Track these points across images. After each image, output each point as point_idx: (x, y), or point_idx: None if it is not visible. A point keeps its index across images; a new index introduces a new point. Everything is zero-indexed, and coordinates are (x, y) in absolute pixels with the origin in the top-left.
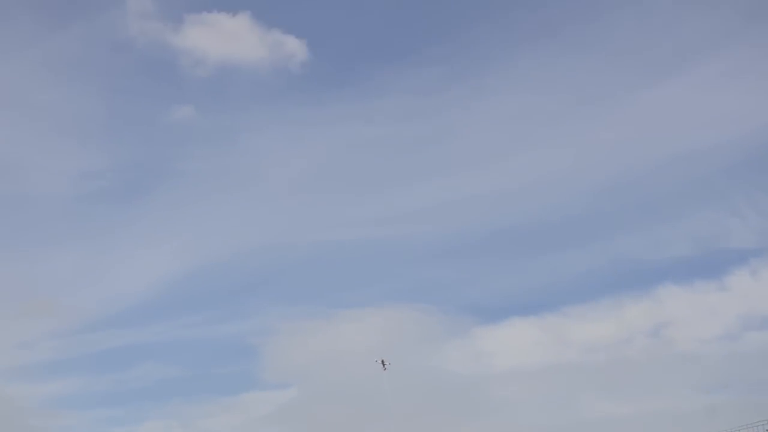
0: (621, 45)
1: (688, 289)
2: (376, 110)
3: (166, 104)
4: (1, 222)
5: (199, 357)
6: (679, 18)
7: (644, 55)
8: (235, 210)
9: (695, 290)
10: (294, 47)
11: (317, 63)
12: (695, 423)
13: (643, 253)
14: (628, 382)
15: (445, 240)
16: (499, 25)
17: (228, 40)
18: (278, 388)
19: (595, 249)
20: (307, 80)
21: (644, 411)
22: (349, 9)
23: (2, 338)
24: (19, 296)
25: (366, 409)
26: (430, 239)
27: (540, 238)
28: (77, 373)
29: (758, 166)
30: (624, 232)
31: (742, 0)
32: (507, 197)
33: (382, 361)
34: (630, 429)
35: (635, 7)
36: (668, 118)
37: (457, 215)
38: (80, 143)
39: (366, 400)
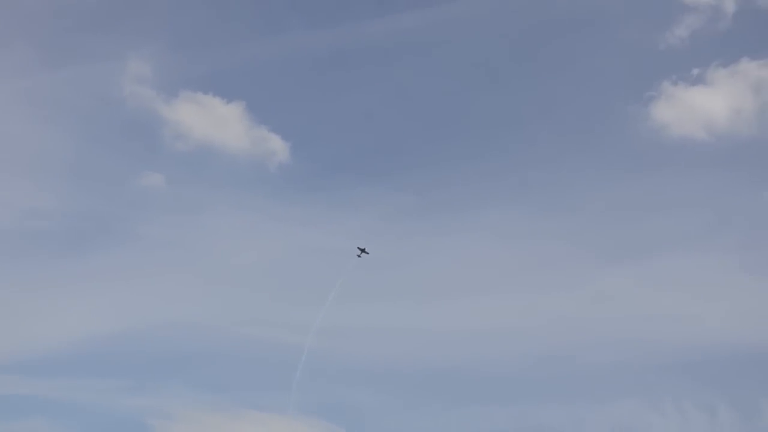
0: (589, 227)
1: None
2: (339, 224)
3: (138, 167)
4: None
5: (91, 425)
6: (646, 211)
7: (611, 240)
8: (175, 283)
9: None
10: (277, 146)
11: (295, 167)
12: None
13: (562, 427)
14: None
15: (374, 365)
16: (479, 171)
17: (216, 123)
18: None
19: (517, 411)
20: (281, 180)
21: None
22: (340, 124)
23: None
24: None
25: None
26: (359, 361)
27: (467, 386)
28: None
29: (690, 370)
30: (548, 401)
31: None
32: (445, 338)
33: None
34: None
35: (608, 193)
36: (620, 304)
37: (392, 343)
38: (37, 180)
39: None
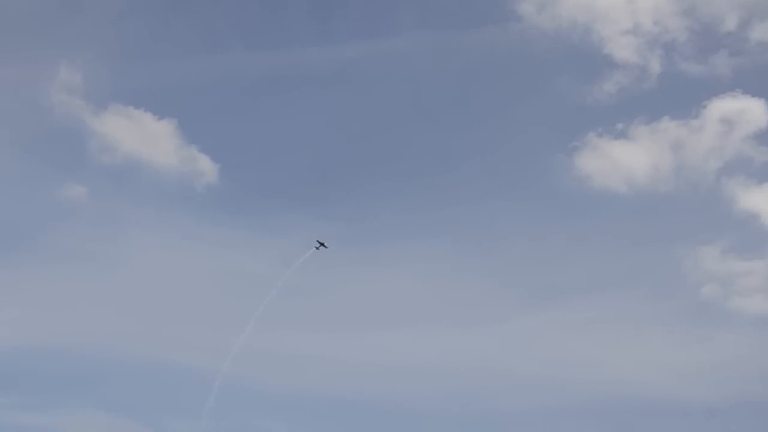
0: (512, 268)
1: None
2: (262, 249)
3: (60, 177)
4: None
5: None
6: (567, 257)
7: (531, 283)
8: (88, 299)
9: None
10: (206, 167)
11: (222, 189)
12: None
13: None
14: None
15: (288, 394)
16: (408, 206)
17: (145, 139)
18: None
19: None
20: (207, 201)
21: None
22: (271, 149)
23: None
24: None
25: None
26: (274, 389)
27: (381, 420)
28: None
29: (599, 415)
30: None
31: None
32: (363, 370)
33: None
34: None
35: (531, 236)
36: (536, 346)
37: (308, 372)
38: None
39: None
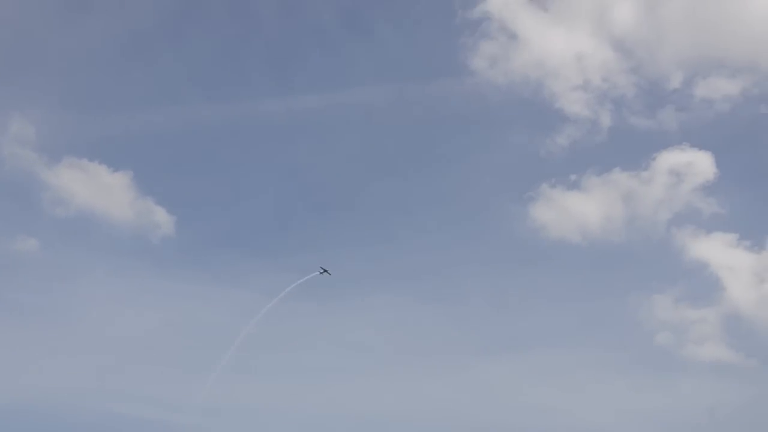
0: (471, 317)
1: None
2: (221, 299)
3: (11, 230)
4: None
5: None
6: (524, 306)
7: (490, 331)
8: (42, 353)
9: None
10: (162, 219)
11: (179, 240)
12: None
13: None
14: None
15: None
16: (367, 255)
17: (99, 191)
18: None
19: None
20: (164, 253)
21: None
22: (228, 200)
23: None
24: None
25: None
26: None
27: None
28: None
29: None
30: None
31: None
32: (323, 420)
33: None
34: None
35: (489, 285)
36: (496, 393)
37: (267, 425)
38: None
39: None
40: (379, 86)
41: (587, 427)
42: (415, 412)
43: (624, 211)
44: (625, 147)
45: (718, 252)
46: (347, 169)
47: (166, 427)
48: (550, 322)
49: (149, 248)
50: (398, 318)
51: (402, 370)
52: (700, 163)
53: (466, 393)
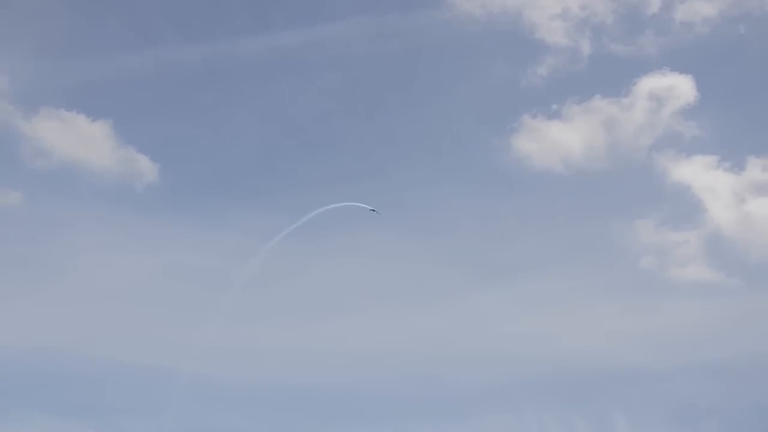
0: (459, 248)
1: None
2: (210, 244)
3: None
4: None
5: None
6: (511, 235)
7: (479, 261)
8: (31, 303)
9: None
10: (145, 167)
11: (164, 188)
12: None
13: None
14: None
15: (243, 386)
16: (354, 192)
17: (79, 142)
18: None
19: (386, 430)
20: (149, 201)
21: None
22: (212, 143)
23: None
24: None
25: None
26: (229, 382)
27: (337, 406)
28: None
29: (551, 386)
30: (417, 420)
31: (567, 234)
32: (317, 357)
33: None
34: None
35: (476, 216)
36: (488, 322)
37: (263, 363)
38: None
39: None
40: (358, 20)
41: (579, 352)
42: (406, 345)
43: (605, 139)
44: (606, 74)
45: (699, 175)
46: (330, 105)
47: (162, 372)
48: (536, 250)
49: (134, 197)
50: (387, 252)
51: (392, 304)
52: (681, 87)
53: (457, 323)
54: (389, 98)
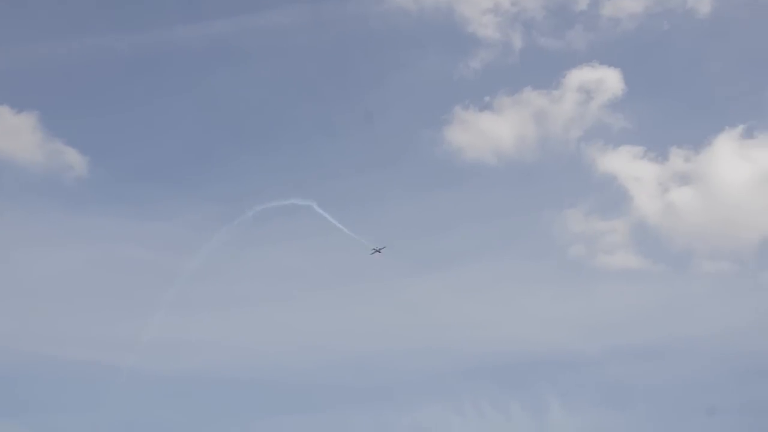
0: (400, 239)
1: None
2: (144, 235)
3: None
4: None
5: None
6: (445, 225)
7: (415, 251)
8: None
9: None
10: (74, 160)
11: (95, 180)
12: None
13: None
14: None
15: (176, 379)
16: (289, 182)
17: (3, 134)
18: None
19: (322, 420)
20: (79, 195)
21: None
22: (144, 134)
23: None
24: None
25: None
26: (161, 376)
27: (272, 396)
28: None
29: (487, 373)
30: (354, 409)
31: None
32: (251, 349)
33: None
34: None
35: (411, 207)
36: (424, 312)
37: (196, 356)
38: None
39: None
40: (292, 8)
41: (513, 338)
42: (344, 334)
43: (536, 130)
44: (536, 67)
45: (626, 165)
46: (265, 95)
47: (104, 368)
48: (470, 241)
49: (63, 190)
50: (326, 243)
51: (330, 294)
52: (609, 80)
53: (396, 313)
54: (325, 88)
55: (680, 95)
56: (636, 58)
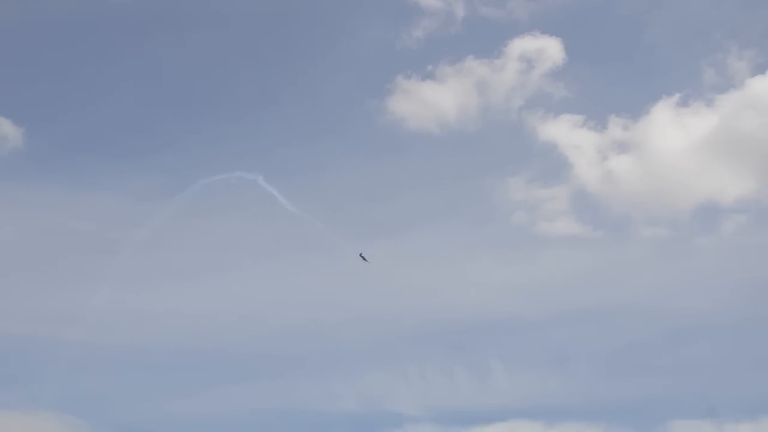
0: (342, 207)
1: None
2: (84, 206)
3: None
4: None
5: None
6: (391, 194)
7: (361, 220)
8: None
9: None
10: (8, 132)
11: (31, 151)
12: None
13: (315, 401)
14: None
15: (121, 350)
16: (234, 151)
17: None
18: None
19: (270, 388)
20: (14, 166)
21: None
22: (81, 103)
23: None
24: None
25: None
26: (105, 347)
27: (219, 366)
28: None
29: (432, 338)
30: (301, 377)
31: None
32: (196, 319)
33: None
34: None
35: (356, 176)
36: (370, 279)
37: (140, 326)
38: None
39: None
40: None
41: (459, 304)
42: (291, 304)
43: (478, 99)
44: (478, 36)
45: (566, 133)
46: (207, 62)
47: (46, 341)
48: (414, 209)
49: None
50: (270, 212)
51: (277, 264)
52: (550, 49)
53: (342, 281)
54: (267, 57)
55: (619, 65)
56: (576, 27)
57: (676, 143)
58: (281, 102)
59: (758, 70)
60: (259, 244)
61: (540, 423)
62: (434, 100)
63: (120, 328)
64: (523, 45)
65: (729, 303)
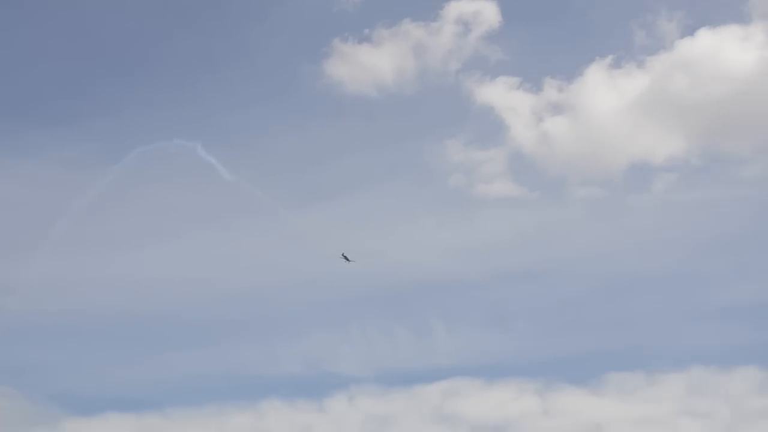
0: (279, 171)
1: (291, 407)
2: (13, 173)
3: None
4: None
5: None
6: (329, 158)
7: (299, 184)
8: None
9: (297, 408)
10: None
11: None
12: None
13: (258, 364)
14: None
15: (62, 317)
16: (171, 117)
17: None
18: None
19: (213, 353)
20: None
21: None
22: (9, 65)
23: None
24: None
25: None
26: (47, 314)
27: (161, 332)
28: None
29: (374, 300)
30: (244, 342)
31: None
32: (136, 285)
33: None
34: None
35: (294, 140)
36: (309, 243)
37: (81, 294)
38: None
39: None
40: None
41: (399, 266)
42: (231, 269)
43: (415, 63)
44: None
45: (502, 96)
46: (141, 24)
47: None
48: (353, 172)
49: None
50: (206, 179)
51: (214, 229)
52: (486, 12)
53: (283, 245)
54: (203, 19)
55: (554, 27)
56: None
57: (609, 104)
58: (218, 67)
59: (687, 31)
60: (200, 211)
61: (480, 380)
62: (371, 64)
63: (57, 296)
64: (459, 8)
65: (661, 259)
